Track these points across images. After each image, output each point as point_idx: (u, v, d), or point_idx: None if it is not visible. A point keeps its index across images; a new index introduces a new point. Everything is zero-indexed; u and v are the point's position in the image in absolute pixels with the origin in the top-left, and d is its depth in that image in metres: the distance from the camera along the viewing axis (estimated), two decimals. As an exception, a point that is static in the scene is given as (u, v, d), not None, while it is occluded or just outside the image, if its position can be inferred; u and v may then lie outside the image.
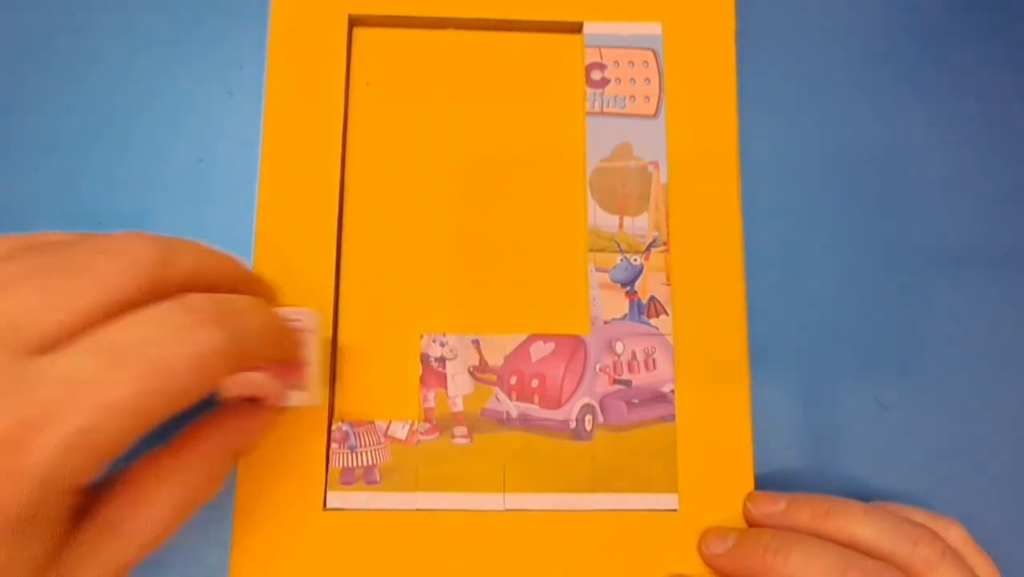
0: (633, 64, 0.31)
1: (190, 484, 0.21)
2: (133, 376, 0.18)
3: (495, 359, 0.29)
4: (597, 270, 0.29)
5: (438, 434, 0.28)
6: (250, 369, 0.22)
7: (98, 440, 0.17)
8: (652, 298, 0.29)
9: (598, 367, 0.29)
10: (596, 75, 0.31)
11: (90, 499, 0.20)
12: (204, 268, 0.21)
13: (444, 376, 0.29)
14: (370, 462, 0.28)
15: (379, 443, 0.28)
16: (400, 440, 0.28)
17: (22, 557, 0.18)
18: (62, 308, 0.18)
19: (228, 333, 0.19)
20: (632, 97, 0.30)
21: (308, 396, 0.25)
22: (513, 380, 0.29)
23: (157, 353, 0.18)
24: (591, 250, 0.30)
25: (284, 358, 0.23)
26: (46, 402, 0.17)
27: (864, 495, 0.27)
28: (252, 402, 0.24)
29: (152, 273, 0.19)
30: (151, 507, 0.20)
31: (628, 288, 0.29)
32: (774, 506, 0.27)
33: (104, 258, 0.19)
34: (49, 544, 0.18)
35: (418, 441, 0.28)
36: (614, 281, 0.29)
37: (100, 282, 0.18)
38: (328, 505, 0.27)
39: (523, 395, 0.29)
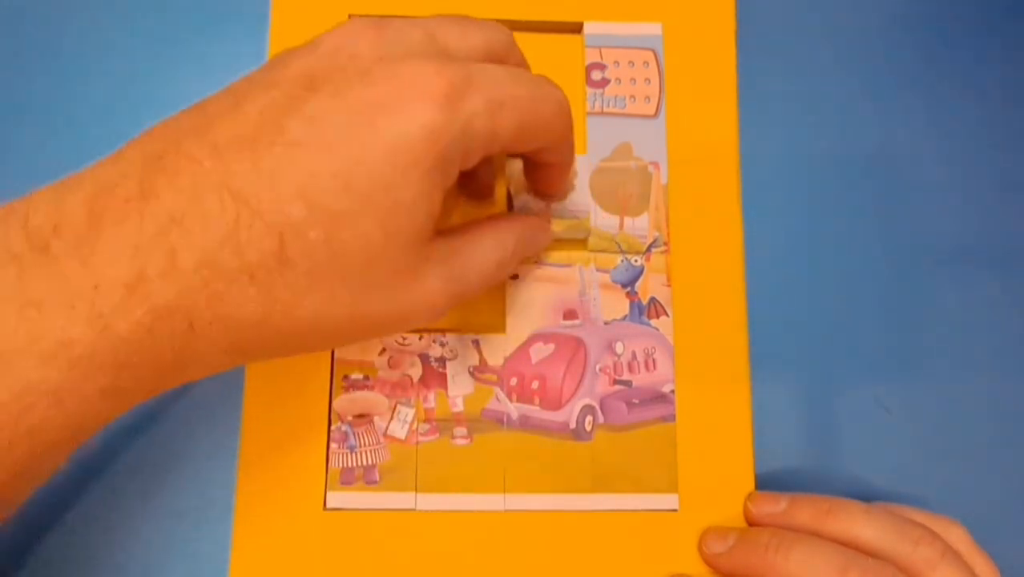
0: (633, 64, 0.31)
1: (502, 245, 0.25)
2: (525, 89, 0.23)
3: (495, 359, 0.29)
4: (598, 270, 0.29)
5: (438, 435, 0.28)
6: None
7: (499, 118, 0.22)
8: (652, 299, 0.29)
9: (598, 368, 0.29)
10: (596, 75, 0.31)
11: (439, 233, 0.23)
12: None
13: (444, 376, 0.29)
14: (370, 462, 0.28)
15: (378, 443, 0.28)
16: (400, 440, 0.28)
17: (431, 189, 0.21)
18: (473, 37, 0.23)
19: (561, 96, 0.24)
20: (632, 97, 0.30)
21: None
22: (513, 381, 0.29)
23: (538, 87, 0.23)
24: (591, 251, 0.30)
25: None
26: (479, 72, 0.22)
27: (864, 495, 0.27)
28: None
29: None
30: (481, 255, 0.24)
31: (628, 289, 0.29)
32: (775, 506, 0.27)
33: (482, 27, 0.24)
34: (439, 197, 0.22)
35: (418, 441, 0.28)
36: (614, 282, 0.29)
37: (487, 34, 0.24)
38: (328, 505, 0.27)
39: (523, 396, 0.29)
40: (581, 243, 0.30)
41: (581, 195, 0.30)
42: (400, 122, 0.20)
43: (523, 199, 0.30)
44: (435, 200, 0.22)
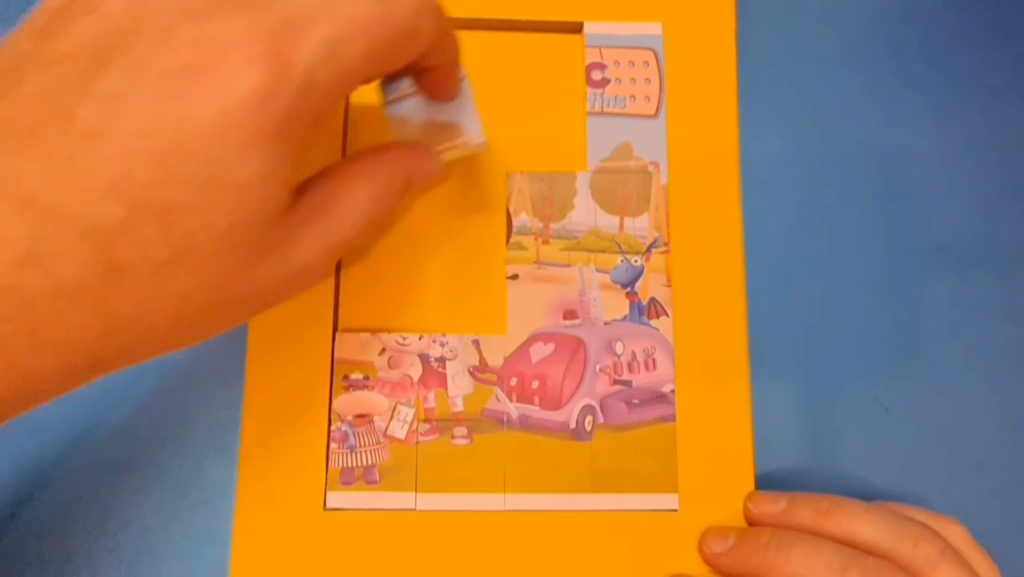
0: (633, 64, 0.31)
1: (373, 180, 0.23)
2: (366, 6, 0.19)
3: (495, 359, 0.29)
4: (598, 271, 0.29)
5: (438, 434, 0.28)
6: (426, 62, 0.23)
7: (345, 53, 0.19)
8: (652, 300, 0.29)
9: (598, 368, 0.29)
10: (596, 75, 0.31)
11: (301, 190, 0.21)
12: None
13: (444, 376, 0.29)
14: (369, 462, 0.28)
15: (378, 443, 0.28)
16: (400, 440, 0.28)
17: (278, 162, 0.18)
18: None
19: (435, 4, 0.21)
20: (632, 97, 0.30)
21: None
22: (513, 381, 0.29)
23: None
24: (592, 251, 0.30)
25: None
26: (305, 7, 0.18)
27: (864, 495, 0.28)
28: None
29: None
30: (351, 197, 0.22)
31: (628, 289, 0.29)
32: (775, 505, 0.27)
33: None
34: (291, 167, 0.19)
35: (418, 441, 0.28)
36: (615, 282, 0.29)
37: None
38: (328, 505, 0.27)
39: (523, 396, 0.29)
40: (574, 246, 0.30)
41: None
42: (220, 93, 0.17)
43: (522, 219, 0.30)
44: (285, 171, 0.19)
